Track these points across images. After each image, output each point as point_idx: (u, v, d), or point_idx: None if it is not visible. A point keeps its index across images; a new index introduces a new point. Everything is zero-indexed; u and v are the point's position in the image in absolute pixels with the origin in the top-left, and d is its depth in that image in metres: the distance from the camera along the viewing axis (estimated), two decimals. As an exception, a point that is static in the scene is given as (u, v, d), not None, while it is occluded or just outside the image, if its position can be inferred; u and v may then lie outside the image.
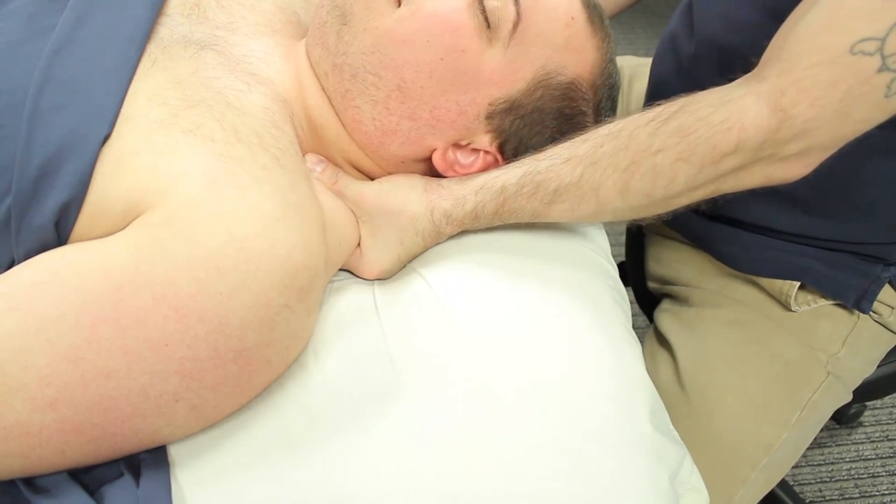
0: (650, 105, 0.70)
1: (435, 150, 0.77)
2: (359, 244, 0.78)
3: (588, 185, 0.71)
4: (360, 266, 0.77)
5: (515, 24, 0.71)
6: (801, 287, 0.90)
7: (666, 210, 0.72)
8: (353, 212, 0.77)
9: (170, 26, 0.71)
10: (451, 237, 0.79)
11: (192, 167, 0.60)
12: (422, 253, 0.78)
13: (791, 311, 0.91)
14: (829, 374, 0.90)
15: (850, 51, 0.60)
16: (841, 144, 0.66)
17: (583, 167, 0.71)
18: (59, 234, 0.61)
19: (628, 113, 1.11)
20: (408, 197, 0.76)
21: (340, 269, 0.79)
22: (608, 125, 0.72)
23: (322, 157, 0.78)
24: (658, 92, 0.98)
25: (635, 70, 1.16)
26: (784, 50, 0.64)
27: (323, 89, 0.76)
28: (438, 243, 0.79)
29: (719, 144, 0.65)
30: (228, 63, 0.71)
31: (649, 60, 1.16)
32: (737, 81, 0.68)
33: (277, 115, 0.70)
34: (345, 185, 0.77)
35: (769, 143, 0.64)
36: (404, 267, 0.79)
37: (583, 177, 0.71)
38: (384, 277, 0.77)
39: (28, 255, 0.60)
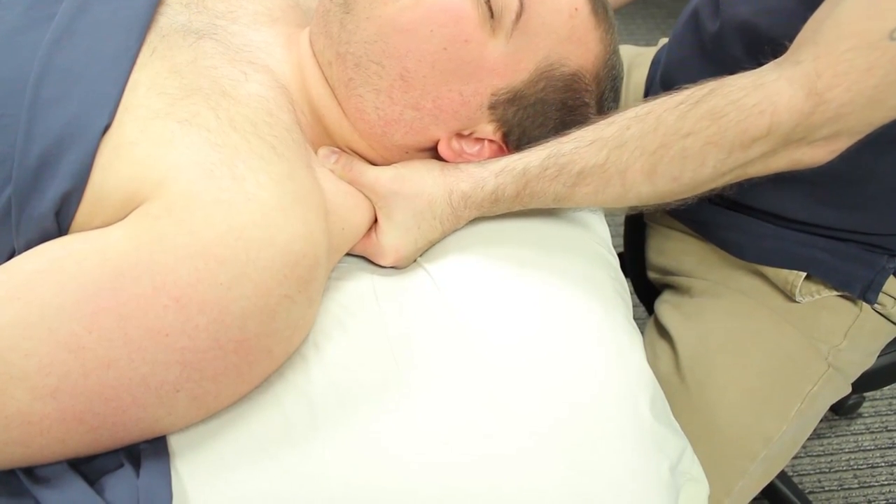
0: (678, 88, 0.70)
1: (438, 139, 0.76)
2: (371, 229, 0.77)
3: (614, 168, 0.70)
4: (375, 252, 0.77)
5: (519, 15, 0.71)
6: (806, 277, 0.90)
7: (691, 195, 0.72)
8: (367, 198, 0.77)
9: (169, 15, 0.71)
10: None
11: (188, 158, 0.60)
12: (440, 239, 0.78)
13: (795, 301, 0.91)
14: (829, 366, 0.90)
15: (889, 36, 0.60)
16: (870, 130, 0.66)
17: (609, 149, 0.70)
18: (60, 223, 0.61)
19: (626, 103, 1.11)
20: (424, 180, 0.75)
21: (353, 256, 0.78)
22: (635, 108, 0.71)
23: (335, 148, 0.78)
24: (675, 72, 0.97)
25: (634, 60, 1.16)
26: (820, 34, 0.64)
27: (325, 78, 0.76)
28: (456, 229, 0.78)
29: (750, 128, 0.65)
30: (227, 52, 0.71)
31: (648, 50, 1.16)
32: (769, 65, 0.68)
33: (272, 102, 0.69)
34: (359, 171, 0.76)
35: (802, 127, 0.64)
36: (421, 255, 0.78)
37: (608, 159, 0.70)
38: (400, 265, 0.77)
39: (28, 245, 0.60)
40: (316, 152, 0.76)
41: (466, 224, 0.78)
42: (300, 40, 0.78)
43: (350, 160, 0.77)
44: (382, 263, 0.77)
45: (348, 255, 0.78)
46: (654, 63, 1.10)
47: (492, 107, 0.75)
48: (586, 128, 0.73)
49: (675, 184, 0.70)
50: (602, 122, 0.72)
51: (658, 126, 0.68)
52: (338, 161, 0.76)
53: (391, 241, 0.75)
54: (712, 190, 0.71)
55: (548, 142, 0.74)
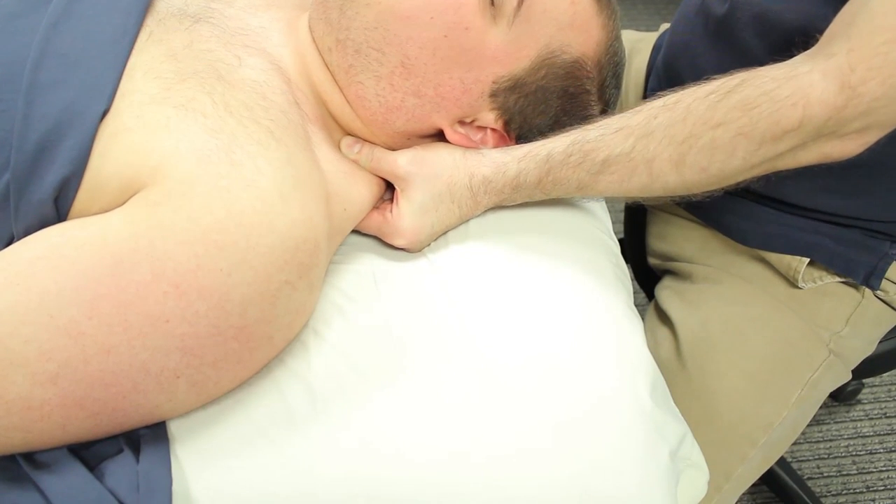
0: (707, 79, 0.70)
1: (440, 127, 0.76)
2: (386, 208, 0.77)
3: (640, 157, 0.70)
4: (390, 232, 0.76)
5: (520, 2, 0.70)
6: (808, 263, 0.90)
7: (719, 187, 0.71)
8: (389, 181, 0.77)
9: None
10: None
11: (184, 144, 0.60)
12: (457, 225, 0.77)
13: (797, 287, 0.91)
14: (830, 352, 0.90)
15: None
16: None
17: (635, 138, 0.70)
18: (59, 209, 0.60)
19: (627, 89, 1.11)
20: (445, 162, 0.75)
21: (356, 237, 0.78)
22: (663, 98, 0.71)
23: (357, 139, 0.78)
24: (679, 55, 0.96)
25: (635, 45, 1.15)
26: (854, 27, 0.64)
27: (326, 64, 0.76)
28: (473, 216, 0.78)
29: (782, 120, 0.65)
30: (223, 36, 0.71)
31: (649, 35, 1.16)
32: (800, 57, 0.68)
33: (266, 86, 0.69)
34: (379, 158, 0.76)
35: (833, 120, 0.64)
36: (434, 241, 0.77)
37: (635, 148, 0.70)
38: (413, 248, 0.76)
39: (27, 232, 0.60)
40: (318, 130, 0.75)
41: None
42: (299, 25, 0.78)
43: (372, 149, 0.77)
44: (396, 244, 0.76)
45: (357, 233, 0.78)
46: (656, 48, 1.10)
47: (493, 94, 0.74)
48: (613, 116, 0.72)
49: (703, 174, 0.69)
50: (629, 110, 0.72)
51: (687, 116, 0.68)
52: (360, 152, 0.77)
53: (407, 222, 0.75)
54: (739, 183, 0.71)
55: (573, 128, 0.74)
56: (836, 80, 0.63)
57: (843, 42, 0.64)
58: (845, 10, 0.66)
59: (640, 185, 0.71)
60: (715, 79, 0.69)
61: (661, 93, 0.72)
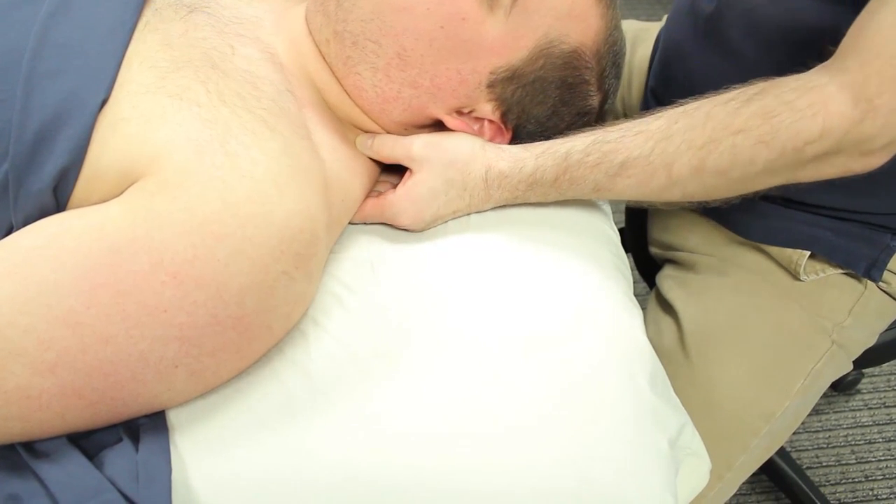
0: (727, 88, 0.70)
1: (436, 117, 0.76)
2: (389, 191, 0.77)
3: (660, 161, 0.70)
4: (394, 212, 0.76)
5: None
6: (810, 256, 0.89)
7: (738, 193, 0.72)
8: (372, 168, 0.77)
9: None
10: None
11: (180, 135, 0.60)
12: (465, 212, 0.77)
13: (799, 280, 0.91)
14: (833, 343, 0.90)
15: None
16: None
17: (655, 141, 0.70)
18: (58, 199, 0.60)
19: (631, 78, 1.10)
20: (463, 150, 0.75)
21: (352, 225, 0.78)
22: (683, 104, 0.71)
23: (370, 134, 0.78)
24: (672, 55, 0.96)
25: (638, 35, 1.15)
26: (865, 39, 0.64)
27: (323, 56, 0.76)
28: (482, 209, 0.78)
29: (803, 131, 0.65)
30: (217, 25, 0.71)
31: (652, 25, 1.15)
32: (818, 69, 0.68)
33: (257, 76, 0.69)
34: (391, 146, 0.76)
35: (853, 134, 0.64)
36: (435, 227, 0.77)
37: (654, 151, 0.70)
38: (415, 228, 0.76)
39: (27, 221, 0.60)
40: (314, 114, 0.74)
41: None
42: (294, 16, 0.78)
43: (384, 139, 0.77)
44: (398, 222, 0.76)
45: (353, 224, 0.78)
46: (658, 39, 1.09)
47: (490, 85, 0.74)
48: (633, 120, 0.73)
49: (723, 179, 0.70)
50: (649, 116, 0.72)
51: (707, 121, 0.68)
52: (372, 146, 0.77)
53: (413, 201, 0.75)
54: (757, 192, 0.72)
55: (594, 128, 0.74)
56: (852, 94, 0.64)
57: (855, 56, 0.64)
58: (856, 25, 0.67)
59: (657, 189, 0.72)
60: (735, 87, 0.69)
61: (682, 101, 0.72)
